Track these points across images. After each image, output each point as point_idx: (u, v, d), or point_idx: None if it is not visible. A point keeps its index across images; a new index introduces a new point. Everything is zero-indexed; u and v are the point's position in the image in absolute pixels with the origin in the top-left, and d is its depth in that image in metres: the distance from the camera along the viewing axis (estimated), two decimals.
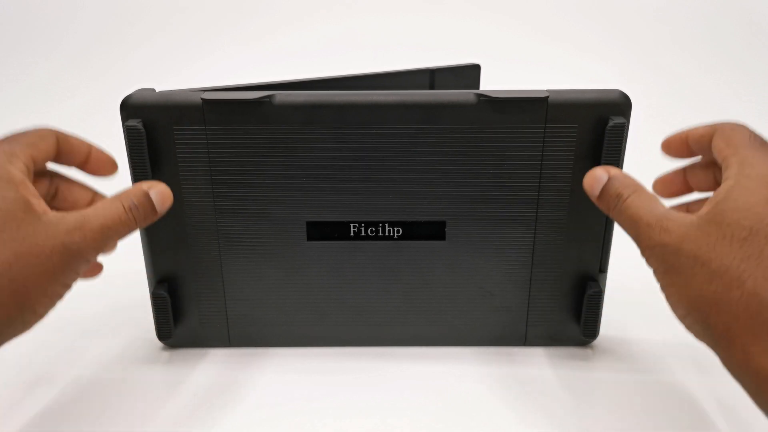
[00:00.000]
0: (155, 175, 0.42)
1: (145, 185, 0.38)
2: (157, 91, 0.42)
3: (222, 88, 0.44)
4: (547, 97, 0.40)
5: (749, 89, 1.10)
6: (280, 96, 0.41)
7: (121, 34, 1.09)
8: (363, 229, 0.44)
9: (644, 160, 0.59)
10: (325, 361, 0.47)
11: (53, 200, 0.41)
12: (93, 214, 0.34)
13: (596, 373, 0.46)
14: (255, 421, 0.41)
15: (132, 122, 0.40)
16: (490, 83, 0.59)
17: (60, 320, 0.52)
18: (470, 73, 0.63)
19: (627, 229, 0.36)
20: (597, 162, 0.41)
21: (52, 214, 0.33)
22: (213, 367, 0.46)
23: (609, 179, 0.37)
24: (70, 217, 0.34)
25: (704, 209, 0.32)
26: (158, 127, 0.41)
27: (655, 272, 0.34)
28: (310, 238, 0.44)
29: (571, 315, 0.47)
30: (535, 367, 0.46)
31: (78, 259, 0.34)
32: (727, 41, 1.14)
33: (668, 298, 0.33)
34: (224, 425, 0.41)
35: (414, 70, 0.58)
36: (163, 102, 0.41)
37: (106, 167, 0.40)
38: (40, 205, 0.33)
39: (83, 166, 0.40)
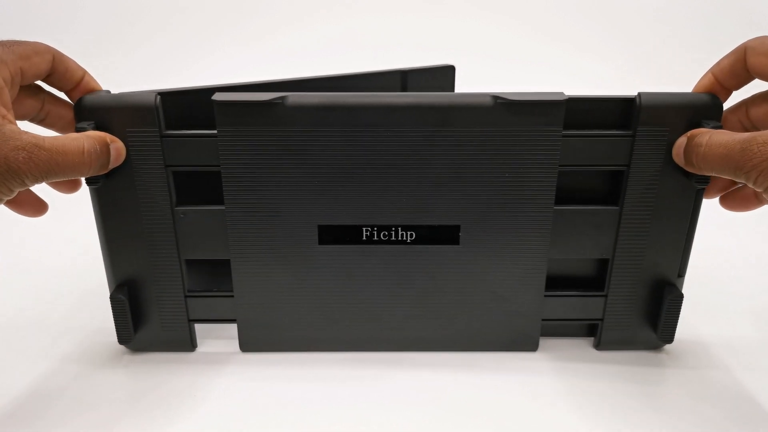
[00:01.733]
0: (111, 176, 0.41)
1: (108, 137, 0.39)
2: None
3: (223, 88, 0.43)
4: (566, 100, 0.39)
5: (749, 89, 1.09)
6: (293, 98, 0.40)
7: (121, 34, 1.08)
8: (375, 233, 0.43)
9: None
10: (336, 366, 0.46)
11: (42, 123, 0.41)
12: (50, 143, 0.34)
13: (602, 383, 0.45)
14: (259, 425, 0.40)
15: (83, 124, 0.39)
16: (496, 84, 0.58)
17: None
18: (445, 75, 0.62)
19: (723, 169, 0.35)
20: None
21: (10, 128, 0.33)
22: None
23: (687, 138, 0.38)
24: (26, 137, 0.33)
25: None
26: (111, 129, 0.40)
27: None
28: (321, 241, 0.44)
29: (645, 319, 0.46)
30: (549, 372, 0.45)
31: (14, 178, 0.33)
32: (727, 41, 1.14)
33: None
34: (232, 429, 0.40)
35: (386, 71, 0.57)
36: (116, 104, 0.40)
37: (95, 87, 0.41)
38: (6, 115, 0.33)
39: (72, 92, 0.40)
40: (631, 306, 0.46)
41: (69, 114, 0.41)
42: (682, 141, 0.39)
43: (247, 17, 1.13)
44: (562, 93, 0.40)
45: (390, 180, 0.42)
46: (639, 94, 0.40)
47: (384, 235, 0.43)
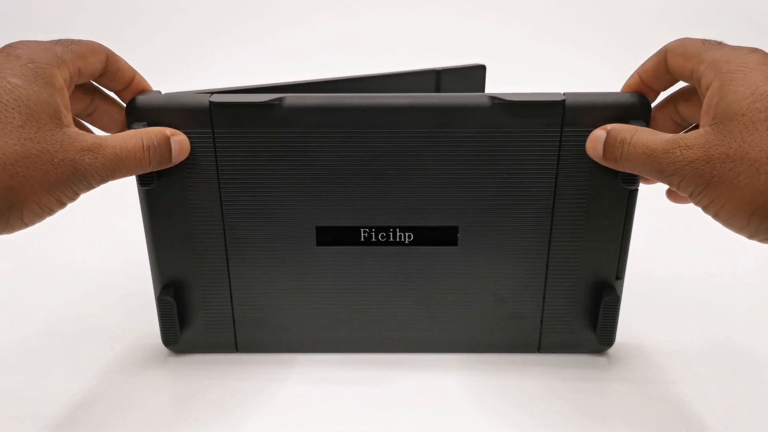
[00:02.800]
0: (162, 178, 0.41)
1: (168, 130, 0.39)
2: (163, 93, 0.41)
3: (229, 90, 0.43)
4: (564, 100, 0.39)
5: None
6: (290, 99, 0.40)
7: (121, 34, 1.08)
8: (373, 234, 0.43)
9: None
10: (335, 368, 0.46)
11: (88, 118, 0.41)
12: (111, 142, 0.35)
13: (611, 382, 0.45)
14: (261, 428, 0.40)
15: (138, 125, 0.39)
16: (495, 84, 0.58)
17: (66, 323, 0.52)
18: (476, 74, 0.62)
19: (644, 168, 0.35)
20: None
21: (74, 130, 0.33)
22: (219, 373, 0.46)
23: (608, 132, 0.38)
24: (89, 138, 0.34)
25: (709, 116, 0.32)
26: None
27: (694, 195, 0.33)
28: (319, 243, 0.43)
29: (586, 322, 0.46)
30: (549, 375, 0.45)
31: (81, 180, 0.33)
32: (727, 41, 1.13)
33: (719, 214, 0.32)
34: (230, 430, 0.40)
35: (420, 71, 0.57)
36: (169, 104, 0.40)
37: (146, 88, 0.41)
38: (67, 117, 0.33)
39: (122, 92, 0.40)
40: (570, 309, 0.45)
41: (116, 112, 0.41)
42: (599, 134, 0.38)
43: (248, 17, 1.13)
44: (559, 93, 0.40)
45: (388, 181, 0.42)
46: (564, 94, 0.40)
47: (382, 237, 0.43)
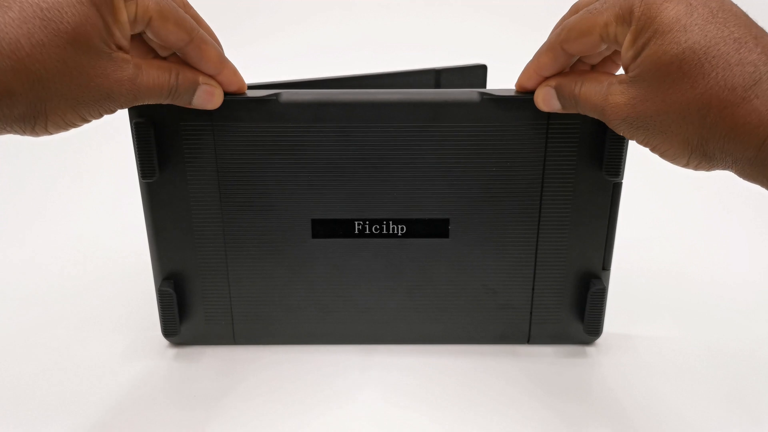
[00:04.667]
0: (163, 171, 0.42)
1: (202, 78, 0.38)
2: None
3: None
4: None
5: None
6: (287, 94, 0.41)
7: None
8: (367, 226, 0.44)
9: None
10: (329, 358, 0.47)
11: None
12: (146, 77, 0.35)
13: (598, 372, 0.46)
14: (259, 419, 0.41)
15: (140, 119, 0.40)
16: (497, 84, 0.59)
17: (66, 315, 0.53)
18: (477, 74, 0.63)
19: (599, 118, 0.36)
20: (600, 159, 0.42)
21: (119, 57, 0.33)
22: (218, 364, 0.47)
23: (556, 89, 0.38)
24: (130, 68, 0.34)
25: (627, 64, 0.33)
26: (166, 123, 0.41)
27: (639, 143, 0.34)
28: (315, 235, 0.45)
29: (574, 313, 0.47)
30: (539, 365, 0.46)
31: (109, 105, 0.34)
32: None
33: (663, 156, 0.34)
34: (229, 422, 0.41)
35: (419, 70, 0.58)
36: None
37: (228, 89, 0.40)
38: (118, 45, 0.33)
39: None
40: (559, 300, 0.47)
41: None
42: (548, 91, 0.38)
43: (248, 17, 1.14)
44: None
45: (381, 175, 0.43)
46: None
47: (376, 229, 0.44)
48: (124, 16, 0.33)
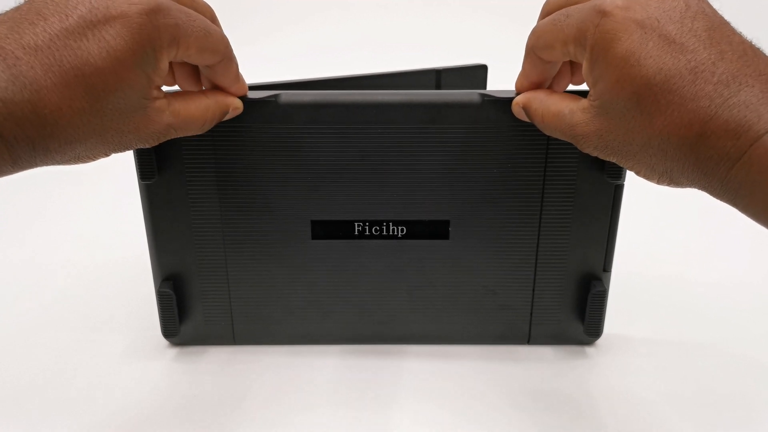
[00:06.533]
0: (162, 172, 0.42)
1: (232, 106, 0.39)
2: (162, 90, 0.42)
3: None
4: None
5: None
6: (286, 96, 0.41)
7: None
8: (367, 228, 0.44)
9: None
10: (329, 359, 0.47)
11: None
12: (183, 120, 0.35)
13: (598, 373, 0.46)
14: (258, 419, 0.41)
15: None
16: (498, 84, 0.59)
17: (66, 315, 0.53)
18: (477, 74, 0.63)
19: (562, 137, 0.35)
20: (601, 161, 0.42)
21: (156, 107, 0.33)
22: (218, 364, 0.47)
23: (524, 107, 0.38)
24: (165, 118, 0.34)
25: (590, 90, 0.32)
26: None
27: (618, 163, 0.34)
28: (314, 236, 0.45)
29: (574, 314, 0.47)
30: (538, 366, 0.46)
31: (140, 145, 0.34)
32: None
33: (638, 174, 0.33)
34: (228, 423, 0.41)
35: (420, 70, 0.58)
36: None
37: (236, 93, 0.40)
38: (156, 91, 0.33)
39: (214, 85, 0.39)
40: (559, 301, 0.47)
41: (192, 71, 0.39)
42: (518, 111, 0.39)
43: (248, 17, 1.14)
44: None
45: (381, 176, 0.43)
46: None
47: (375, 230, 0.44)
48: (165, 64, 0.33)
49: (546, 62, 0.36)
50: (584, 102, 0.33)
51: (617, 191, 0.43)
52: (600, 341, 0.49)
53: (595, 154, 0.34)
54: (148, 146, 0.35)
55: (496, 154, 0.42)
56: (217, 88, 0.39)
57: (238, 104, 0.39)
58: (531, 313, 0.47)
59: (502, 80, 0.65)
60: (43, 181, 0.81)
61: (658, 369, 0.46)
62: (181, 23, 0.32)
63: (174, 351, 0.48)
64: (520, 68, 0.39)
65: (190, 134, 0.37)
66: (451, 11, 1.18)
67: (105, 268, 0.62)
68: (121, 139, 0.32)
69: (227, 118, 0.39)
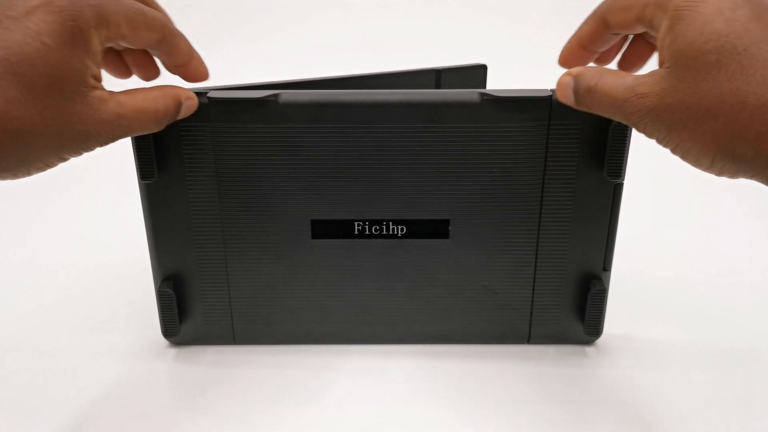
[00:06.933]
0: (161, 172, 0.42)
1: (183, 96, 0.38)
2: None
3: (228, 87, 0.44)
4: (551, 95, 0.40)
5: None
6: (286, 95, 0.41)
7: None
8: (367, 227, 0.44)
9: (648, 157, 0.60)
10: (329, 359, 0.47)
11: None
12: (131, 110, 0.34)
13: (599, 372, 0.46)
14: (258, 419, 0.41)
15: None
16: (497, 84, 0.59)
17: (65, 315, 0.53)
18: (477, 74, 0.63)
19: (613, 115, 0.34)
20: (601, 160, 0.42)
21: (97, 96, 0.32)
22: (218, 364, 0.47)
23: (574, 78, 0.36)
24: (110, 107, 0.33)
25: (663, 54, 0.31)
26: None
27: (659, 141, 0.33)
28: (314, 236, 0.45)
29: (574, 313, 0.47)
30: (539, 365, 0.46)
31: (90, 146, 0.33)
32: None
33: (685, 157, 0.32)
34: (228, 422, 0.41)
35: (420, 70, 0.58)
36: None
37: (196, 78, 0.40)
38: (94, 78, 0.32)
39: (175, 70, 0.39)
40: (559, 300, 0.46)
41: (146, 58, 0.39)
42: (567, 81, 0.37)
43: (248, 17, 1.14)
44: (546, 90, 0.41)
45: (381, 175, 0.43)
46: (551, 90, 0.40)
47: (376, 230, 0.44)
48: (96, 45, 0.32)
49: (608, 27, 0.36)
50: (651, 71, 0.33)
51: (617, 190, 0.43)
52: (600, 341, 0.49)
53: (643, 123, 0.32)
54: (102, 143, 0.33)
55: (496, 153, 0.42)
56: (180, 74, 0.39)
57: (190, 95, 0.39)
58: (531, 313, 0.47)
59: (501, 80, 0.65)
60: (43, 181, 0.81)
61: (658, 368, 0.46)
62: (106, 2, 0.32)
63: (174, 351, 0.48)
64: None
65: (147, 129, 0.36)
66: (451, 11, 1.18)
67: (105, 268, 0.62)
68: (69, 134, 0.32)
69: (185, 113, 0.39)
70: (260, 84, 0.45)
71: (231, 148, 0.42)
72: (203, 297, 0.46)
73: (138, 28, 0.34)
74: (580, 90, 0.36)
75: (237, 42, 1.12)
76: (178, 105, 0.38)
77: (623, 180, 0.42)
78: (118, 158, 0.60)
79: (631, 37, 0.40)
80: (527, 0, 1.17)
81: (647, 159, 0.62)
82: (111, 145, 0.42)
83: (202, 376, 0.45)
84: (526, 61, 1.07)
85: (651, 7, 0.33)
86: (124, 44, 0.35)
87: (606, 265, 0.45)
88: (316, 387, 0.44)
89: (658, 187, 0.82)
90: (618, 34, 0.38)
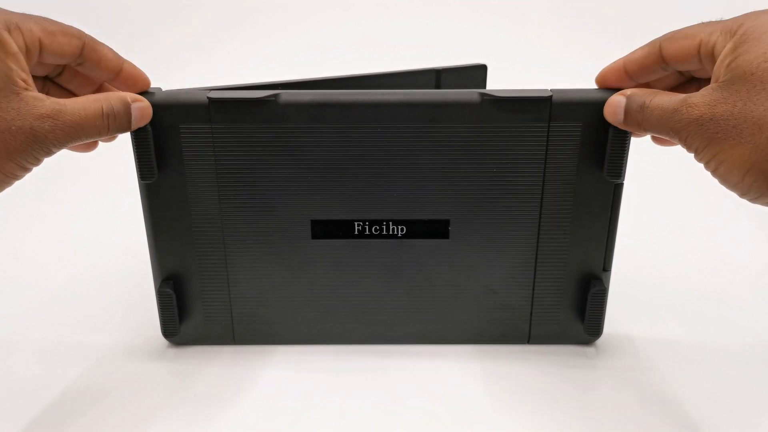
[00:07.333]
0: (161, 172, 0.42)
1: (129, 97, 0.38)
2: (163, 90, 0.42)
3: (228, 87, 0.44)
4: (551, 96, 0.40)
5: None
6: (286, 95, 0.41)
7: (123, 33, 1.09)
8: (367, 227, 0.44)
9: (648, 157, 0.60)
10: (329, 359, 0.47)
11: (58, 78, 0.40)
12: (70, 108, 0.34)
13: (598, 372, 0.46)
14: (258, 419, 0.41)
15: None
16: (497, 84, 0.59)
17: (66, 315, 0.53)
18: (477, 74, 0.63)
19: (660, 130, 0.35)
20: (601, 160, 0.42)
21: (31, 95, 0.33)
22: (218, 364, 0.47)
23: (627, 98, 0.38)
24: (48, 103, 0.33)
25: (720, 72, 0.32)
26: (164, 125, 0.41)
27: (698, 152, 0.33)
28: (314, 236, 0.45)
29: (574, 313, 0.47)
30: (538, 365, 0.46)
31: (41, 146, 0.33)
32: None
33: (717, 170, 0.33)
34: (228, 422, 0.41)
35: (420, 70, 0.58)
36: (169, 101, 0.41)
37: (137, 85, 0.40)
38: (24, 81, 0.33)
39: (113, 82, 0.40)
40: (559, 300, 0.47)
41: (88, 80, 0.41)
42: (618, 100, 0.38)
43: (248, 17, 1.14)
44: (546, 90, 0.41)
45: (381, 175, 0.43)
46: (551, 90, 0.41)
47: (375, 230, 0.44)
48: (14, 47, 0.33)
49: (662, 58, 0.37)
50: (702, 88, 0.34)
51: (617, 190, 0.43)
52: (600, 341, 0.49)
53: (688, 131, 0.33)
54: (55, 143, 0.34)
55: (496, 153, 0.42)
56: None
57: (138, 97, 0.39)
58: (531, 313, 0.47)
59: (501, 80, 0.66)
60: (43, 181, 0.81)
61: (658, 368, 0.46)
62: (13, 14, 0.34)
63: (174, 351, 0.48)
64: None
65: (97, 130, 0.36)
66: (451, 11, 1.18)
67: (105, 268, 0.62)
68: (11, 132, 0.32)
69: (138, 118, 0.39)
70: (260, 84, 0.45)
71: (231, 148, 0.42)
72: (203, 297, 0.46)
73: (54, 33, 0.35)
74: (632, 107, 0.37)
75: (237, 42, 1.12)
76: (126, 106, 0.38)
77: (623, 180, 0.42)
78: (118, 158, 0.60)
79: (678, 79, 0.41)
80: (527, 0, 1.17)
81: (647, 159, 0.62)
82: (111, 145, 0.43)
83: (202, 377, 0.45)
84: (526, 61, 1.07)
85: (717, 33, 0.34)
86: (49, 57, 0.36)
87: (606, 265, 0.45)
88: (316, 387, 0.44)
89: (658, 187, 0.82)
90: (666, 68, 0.38)
